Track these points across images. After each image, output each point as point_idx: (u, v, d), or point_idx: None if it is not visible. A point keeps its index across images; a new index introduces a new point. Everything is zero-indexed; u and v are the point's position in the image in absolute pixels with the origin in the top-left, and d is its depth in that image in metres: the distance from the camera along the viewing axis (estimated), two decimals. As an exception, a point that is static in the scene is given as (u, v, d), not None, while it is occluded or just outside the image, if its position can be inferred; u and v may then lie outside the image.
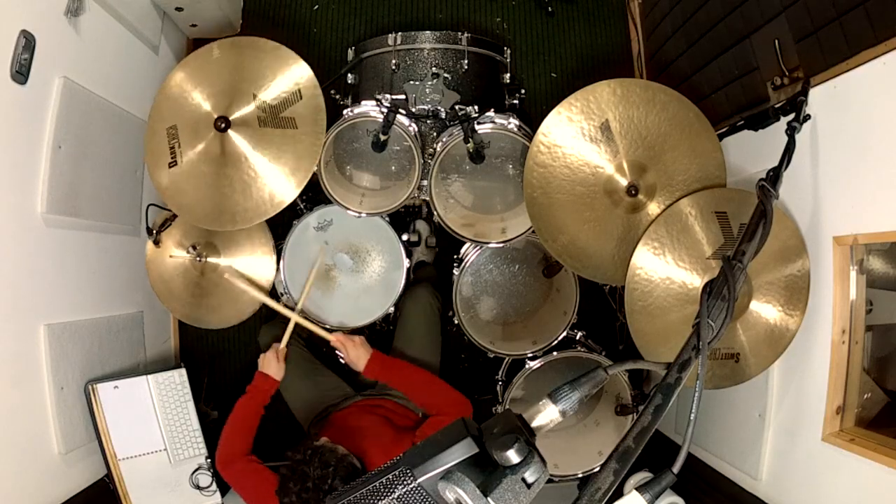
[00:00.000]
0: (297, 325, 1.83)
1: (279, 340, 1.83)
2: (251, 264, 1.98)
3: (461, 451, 0.58)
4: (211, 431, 2.06)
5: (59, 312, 1.69)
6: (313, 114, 1.62)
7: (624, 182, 1.56)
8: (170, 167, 1.66)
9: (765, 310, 1.48)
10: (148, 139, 1.68)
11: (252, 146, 1.63)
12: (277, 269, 1.94)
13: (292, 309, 1.85)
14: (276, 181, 1.64)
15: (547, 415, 0.67)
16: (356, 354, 1.76)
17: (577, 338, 2.01)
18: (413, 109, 1.77)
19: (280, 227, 2.02)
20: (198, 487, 1.93)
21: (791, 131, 1.42)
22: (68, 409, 1.69)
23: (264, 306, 2.02)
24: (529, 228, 1.72)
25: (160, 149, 1.66)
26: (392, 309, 1.97)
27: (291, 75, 1.64)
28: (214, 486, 1.94)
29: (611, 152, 1.55)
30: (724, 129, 1.80)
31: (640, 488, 0.64)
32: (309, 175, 1.62)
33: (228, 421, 1.72)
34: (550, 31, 2.58)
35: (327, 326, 1.89)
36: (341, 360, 1.82)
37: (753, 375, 1.52)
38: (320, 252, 1.91)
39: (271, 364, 1.77)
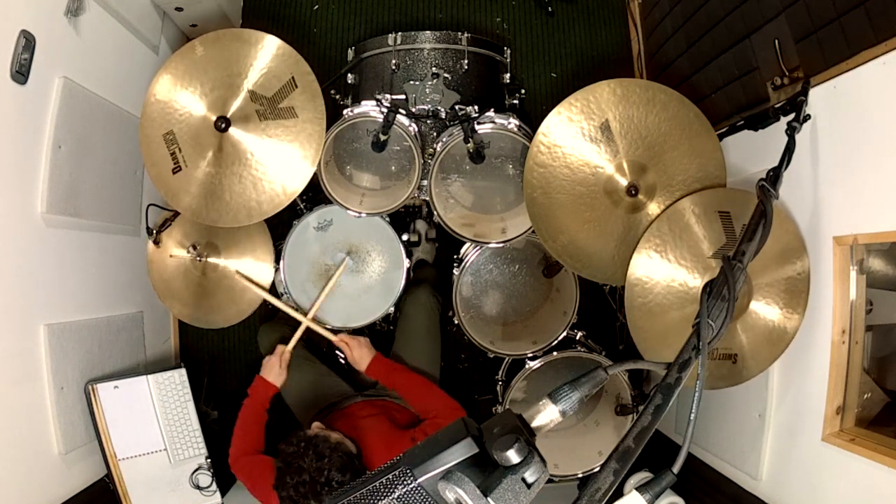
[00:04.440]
0: (295, 325, 1.84)
1: (285, 342, 1.83)
2: (251, 264, 1.98)
3: (461, 451, 0.58)
4: (211, 431, 2.06)
5: (59, 312, 1.69)
6: (311, 100, 1.62)
7: (624, 182, 1.56)
8: (174, 173, 1.63)
9: (764, 311, 1.48)
10: (144, 147, 1.64)
11: (256, 141, 1.62)
12: (277, 268, 1.94)
13: (304, 313, 1.85)
14: (286, 171, 1.63)
15: (547, 415, 0.67)
16: (360, 354, 1.78)
17: (577, 338, 2.01)
18: (413, 109, 1.77)
19: (280, 226, 2.02)
20: (198, 487, 1.93)
21: (791, 131, 1.42)
22: (68, 409, 1.69)
23: (264, 305, 2.02)
24: (529, 228, 1.72)
25: (160, 156, 1.63)
26: (392, 309, 1.97)
27: (282, 65, 1.62)
28: (214, 486, 1.94)
29: (611, 152, 1.55)
30: (724, 129, 1.80)
31: (640, 488, 0.64)
32: (316, 162, 1.62)
33: (236, 423, 1.73)
34: (550, 31, 2.58)
35: (329, 327, 1.90)
36: (342, 360, 1.82)
37: (751, 377, 1.52)
38: (342, 264, 1.90)
39: (273, 370, 1.76)
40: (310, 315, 1.85)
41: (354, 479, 1.33)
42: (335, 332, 1.86)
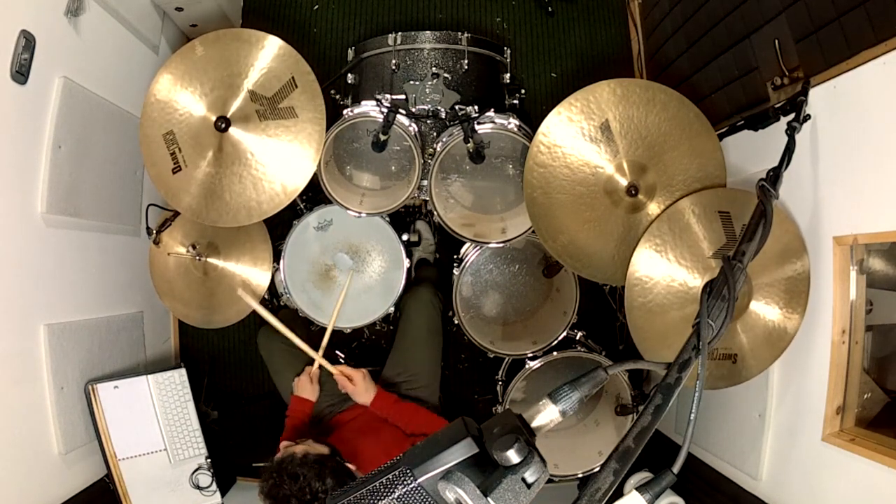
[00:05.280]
0: (294, 328, 1.84)
1: (285, 343, 1.83)
2: (250, 264, 1.98)
3: (461, 451, 0.58)
4: (211, 431, 2.06)
5: (59, 312, 1.69)
6: (311, 100, 1.62)
7: (624, 182, 1.56)
8: (174, 173, 1.63)
9: (764, 311, 1.48)
10: (144, 147, 1.64)
11: (256, 141, 1.62)
12: (277, 268, 1.94)
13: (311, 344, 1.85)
14: (286, 171, 1.63)
15: (547, 415, 0.67)
16: (362, 389, 1.76)
17: (577, 338, 2.01)
18: (413, 109, 1.77)
19: (280, 226, 2.02)
20: (198, 487, 1.93)
21: (791, 131, 1.42)
22: (68, 409, 1.69)
23: (264, 306, 2.02)
24: (529, 228, 1.72)
25: (160, 156, 1.63)
26: (392, 309, 1.97)
27: (282, 65, 1.62)
28: (214, 486, 1.94)
29: (611, 152, 1.55)
30: (724, 129, 1.80)
31: (640, 488, 0.64)
32: (316, 162, 1.62)
33: (282, 439, 1.71)
34: (550, 31, 2.58)
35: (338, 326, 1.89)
36: (342, 360, 1.82)
37: (751, 377, 1.52)
38: (347, 280, 1.90)
39: (305, 388, 1.81)
40: (324, 342, 1.84)
41: (336, 477, 1.34)
42: (336, 361, 1.86)
